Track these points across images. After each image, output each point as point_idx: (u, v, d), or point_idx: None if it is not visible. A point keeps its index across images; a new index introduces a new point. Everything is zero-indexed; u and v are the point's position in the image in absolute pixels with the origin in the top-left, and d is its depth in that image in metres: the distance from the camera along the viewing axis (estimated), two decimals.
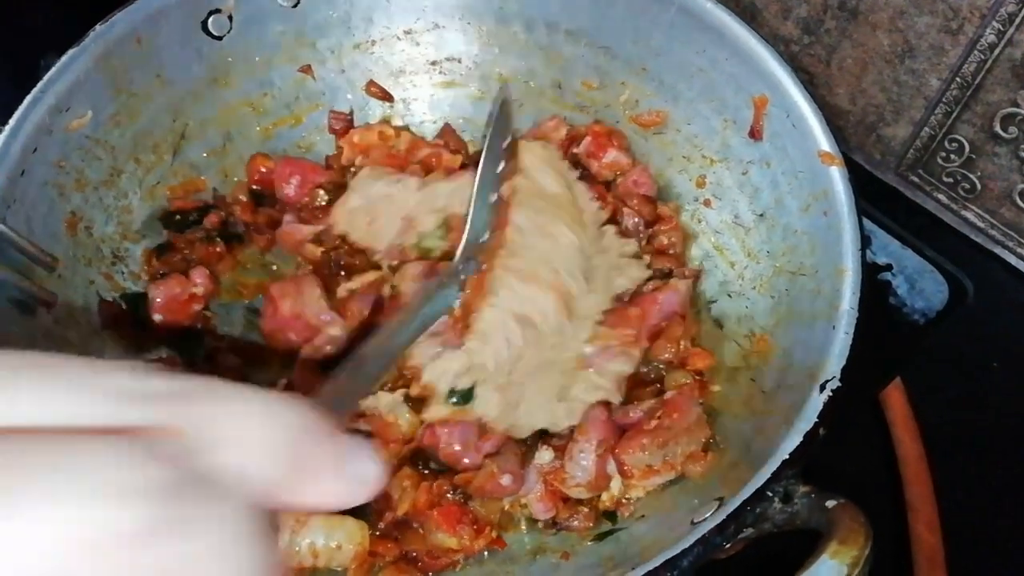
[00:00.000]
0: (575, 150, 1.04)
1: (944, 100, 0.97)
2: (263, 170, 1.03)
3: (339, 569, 0.84)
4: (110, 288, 0.93)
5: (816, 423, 0.75)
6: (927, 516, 0.93)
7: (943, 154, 1.01)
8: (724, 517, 0.71)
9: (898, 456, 0.97)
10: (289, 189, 1.02)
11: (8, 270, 0.82)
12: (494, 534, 0.87)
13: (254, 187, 1.03)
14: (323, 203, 1.01)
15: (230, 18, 0.99)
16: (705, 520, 0.73)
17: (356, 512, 0.86)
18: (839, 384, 0.76)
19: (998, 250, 1.03)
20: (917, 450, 0.96)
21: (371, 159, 1.04)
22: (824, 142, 0.88)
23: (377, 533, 0.86)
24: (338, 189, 1.02)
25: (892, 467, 0.96)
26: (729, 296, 0.97)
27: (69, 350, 0.86)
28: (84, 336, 0.88)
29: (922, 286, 0.97)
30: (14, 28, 1.08)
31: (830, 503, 0.70)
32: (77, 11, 0.93)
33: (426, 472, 0.89)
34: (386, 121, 1.09)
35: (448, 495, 0.87)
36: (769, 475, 0.72)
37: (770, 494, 0.72)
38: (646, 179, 1.03)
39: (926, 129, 1.00)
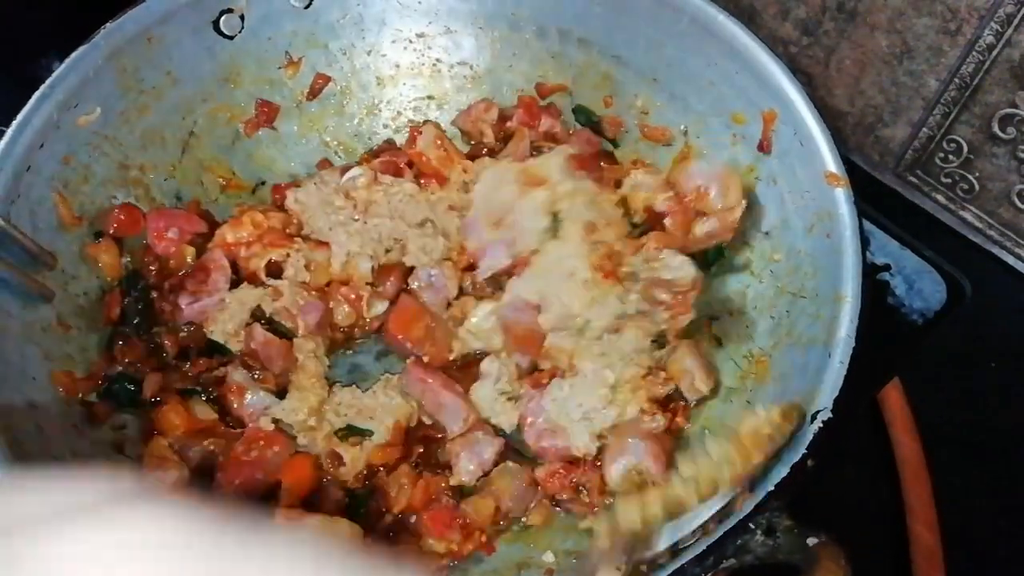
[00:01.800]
0: (508, 125, 1.01)
1: (942, 101, 0.94)
2: (122, 217, 0.92)
3: None
4: (114, 283, 0.90)
5: (804, 455, 0.71)
6: (925, 515, 0.89)
7: (941, 155, 0.97)
8: (705, 547, 0.68)
9: (896, 456, 0.93)
10: (163, 245, 0.92)
11: (9, 265, 0.79)
12: (483, 538, 0.83)
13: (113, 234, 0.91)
14: (191, 261, 0.92)
15: (242, 18, 0.96)
16: (687, 548, 0.70)
17: (352, 513, 0.83)
18: (831, 415, 0.73)
19: (996, 250, 0.99)
20: (915, 449, 0.93)
21: (265, 243, 0.94)
22: (831, 163, 0.84)
23: (372, 535, 0.83)
24: (206, 241, 0.94)
25: (890, 466, 0.93)
26: (731, 315, 0.93)
27: (71, 343, 0.84)
28: (86, 330, 0.86)
29: (920, 286, 0.94)
30: (14, 30, 1.06)
31: (811, 540, 0.67)
32: (77, 14, 0.91)
33: (422, 472, 0.87)
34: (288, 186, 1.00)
35: (444, 496, 0.85)
36: (754, 506, 0.69)
37: (753, 526, 0.69)
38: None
39: (924, 130, 0.97)
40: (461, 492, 0.86)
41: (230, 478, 0.82)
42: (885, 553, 0.90)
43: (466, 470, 0.86)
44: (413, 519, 0.84)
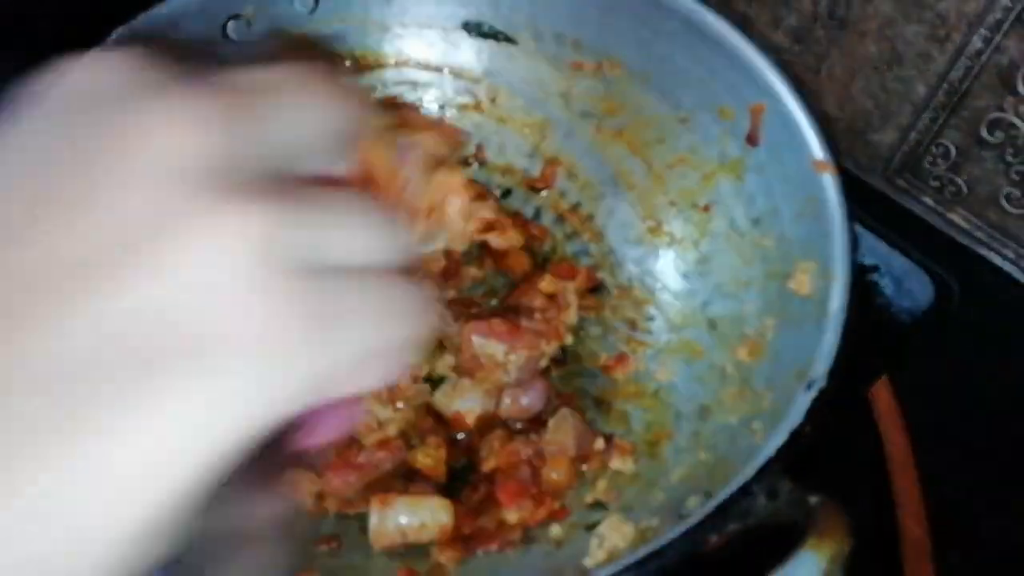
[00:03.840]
0: None
1: (931, 106, 0.93)
2: None
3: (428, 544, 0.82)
4: None
5: (802, 422, 0.72)
6: (913, 509, 0.89)
7: (930, 158, 0.97)
8: (711, 511, 0.69)
9: (885, 452, 0.93)
10: None
11: None
12: (556, 504, 0.84)
13: None
14: None
15: (249, 23, 0.96)
16: (693, 513, 0.70)
17: (448, 488, 0.85)
18: (825, 384, 0.73)
19: (984, 251, 0.99)
20: (903, 445, 0.93)
21: None
22: (818, 150, 0.84)
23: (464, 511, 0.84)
24: None
25: (878, 463, 0.93)
26: (723, 298, 0.93)
27: None
28: None
29: (909, 286, 0.93)
30: (25, 35, 1.06)
31: (812, 500, 0.67)
32: (88, 19, 0.91)
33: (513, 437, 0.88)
34: None
35: (524, 466, 0.85)
36: (756, 471, 0.70)
37: (755, 490, 0.69)
38: None
39: (913, 134, 0.96)
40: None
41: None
42: (873, 545, 0.89)
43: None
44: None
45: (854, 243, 0.81)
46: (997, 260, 0.99)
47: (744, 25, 1.02)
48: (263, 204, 0.29)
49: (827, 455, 0.92)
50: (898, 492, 0.90)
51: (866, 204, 0.95)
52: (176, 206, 0.28)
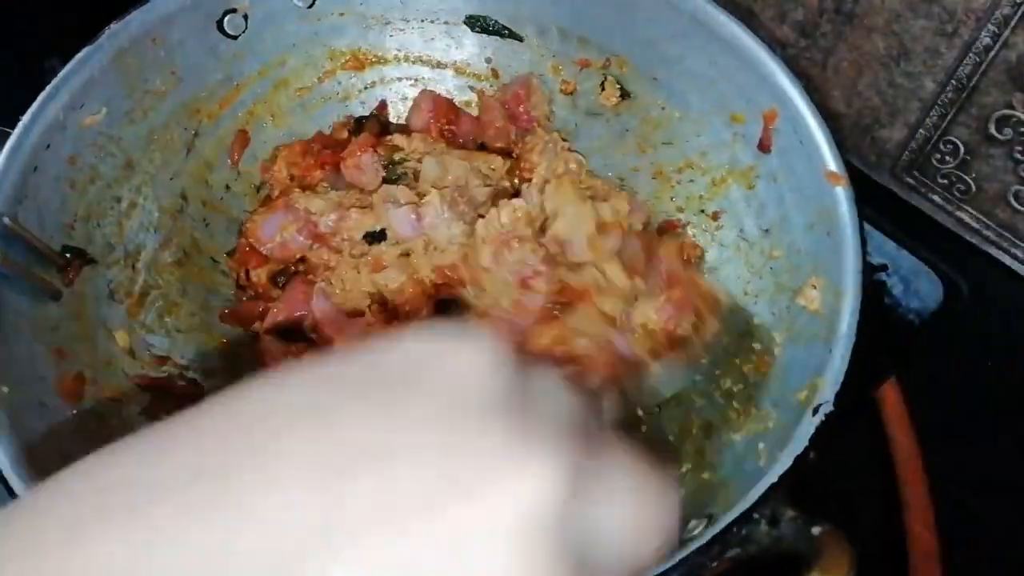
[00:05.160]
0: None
1: (939, 102, 0.92)
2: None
3: None
4: (123, 283, 0.89)
5: (807, 447, 0.70)
6: (922, 513, 0.88)
7: (938, 156, 0.96)
8: (711, 537, 0.67)
9: (894, 455, 0.92)
10: None
11: (17, 265, 0.77)
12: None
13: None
14: None
15: (245, 17, 0.95)
16: (693, 537, 0.68)
17: None
18: (832, 409, 0.71)
19: (992, 251, 0.98)
20: (912, 448, 0.92)
21: None
22: (831, 161, 0.82)
23: None
24: None
25: (887, 465, 0.92)
26: (731, 312, 0.91)
27: (81, 342, 0.82)
28: (94, 327, 0.84)
29: (917, 286, 0.92)
30: (18, 31, 1.05)
31: (816, 529, 0.65)
32: (81, 16, 0.90)
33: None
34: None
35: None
36: (758, 497, 0.68)
37: (757, 516, 0.67)
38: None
39: (921, 131, 0.95)
40: None
41: None
42: (883, 552, 0.88)
43: None
44: None
45: (865, 259, 0.79)
46: (1006, 260, 0.97)
47: (748, 19, 1.00)
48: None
49: (834, 459, 0.92)
50: (907, 496, 0.89)
51: (874, 202, 0.94)
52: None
